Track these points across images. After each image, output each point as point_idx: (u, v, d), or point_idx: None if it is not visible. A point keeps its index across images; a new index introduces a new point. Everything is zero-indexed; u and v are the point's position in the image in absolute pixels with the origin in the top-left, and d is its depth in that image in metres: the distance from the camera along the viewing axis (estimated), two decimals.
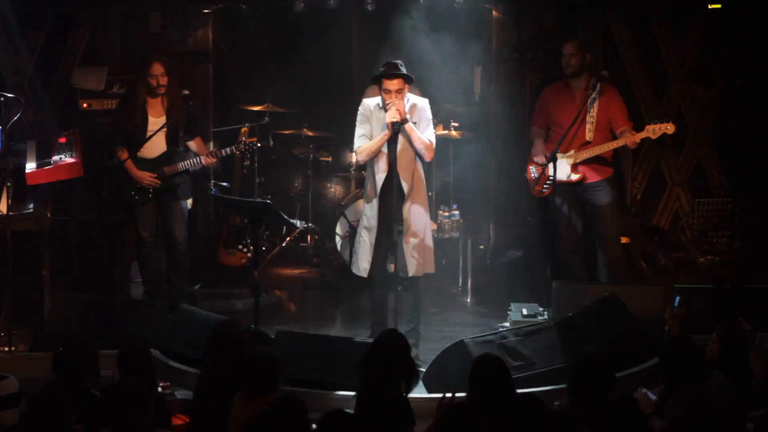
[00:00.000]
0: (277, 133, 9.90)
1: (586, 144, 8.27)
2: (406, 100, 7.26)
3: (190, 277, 8.71)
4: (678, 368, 5.42)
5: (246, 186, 9.70)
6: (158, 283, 8.40)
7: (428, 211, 7.59)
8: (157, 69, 8.12)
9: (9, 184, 7.98)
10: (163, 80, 8.14)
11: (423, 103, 7.43)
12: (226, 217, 9.48)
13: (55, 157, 8.31)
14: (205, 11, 9.53)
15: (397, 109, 7.13)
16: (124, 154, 8.22)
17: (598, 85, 8.24)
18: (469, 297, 9.34)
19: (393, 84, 7.18)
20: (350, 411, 4.88)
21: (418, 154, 7.37)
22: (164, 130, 8.22)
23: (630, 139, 8.11)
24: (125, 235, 9.00)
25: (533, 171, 8.44)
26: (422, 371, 6.70)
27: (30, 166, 8.24)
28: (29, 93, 9.02)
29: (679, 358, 5.43)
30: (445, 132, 9.32)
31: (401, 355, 5.49)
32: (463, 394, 5.08)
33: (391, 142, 7.24)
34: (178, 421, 6.00)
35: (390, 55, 7.69)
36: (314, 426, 4.73)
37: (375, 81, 7.35)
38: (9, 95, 8.12)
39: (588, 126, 8.25)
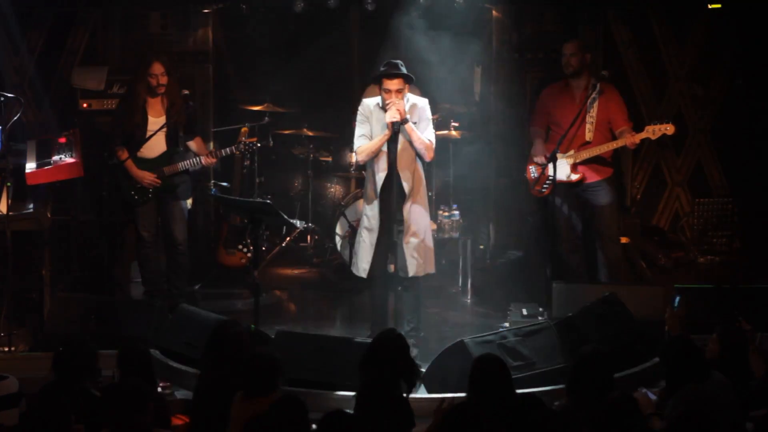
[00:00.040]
0: (277, 133, 9.89)
1: (586, 144, 8.27)
2: (405, 100, 7.26)
3: (190, 277, 8.71)
4: (678, 368, 5.42)
5: (246, 186, 9.69)
6: (158, 283, 8.39)
7: (428, 211, 7.59)
8: (157, 68, 8.12)
9: (9, 184, 7.98)
10: (163, 80, 8.14)
11: (423, 103, 7.43)
12: (226, 217, 9.48)
13: (55, 157, 8.31)
14: (205, 11, 9.53)
15: (397, 109, 7.14)
16: (124, 154, 8.22)
17: (598, 85, 8.25)
18: (469, 297, 9.34)
19: (393, 84, 7.18)
20: (350, 411, 4.88)
21: (418, 154, 7.37)
22: (164, 130, 8.22)
23: (630, 140, 8.12)
24: (125, 235, 8.99)
25: (533, 171, 8.44)
26: (422, 371, 6.69)
27: (30, 166, 8.24)
28: (29, 93, 9.02)
29: (679, 358, 5.43)
30: (445, 132, 9.32)
31: (400, 355, 5.49)
32: (462, 395, 5.08)
33: (391, 142, 7.24)
34: (178, 421, 6.00)
35: (390, 55, 7.69)
36: (314, 426, 4.73)
37: (375, 81, 7.35)
38: (9, 95, 8.12)
39: (588, 126, 8.26)
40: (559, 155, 8.03)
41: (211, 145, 9.26)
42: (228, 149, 8.40)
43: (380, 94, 7.29)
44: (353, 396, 5.29)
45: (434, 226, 8.81)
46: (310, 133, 9.96)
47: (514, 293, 8.48)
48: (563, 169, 8.18)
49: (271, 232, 9.92)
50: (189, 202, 8.58)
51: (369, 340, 6.17)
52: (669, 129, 8.06)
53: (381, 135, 7.28)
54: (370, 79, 7.58)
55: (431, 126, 7.45)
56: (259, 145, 8.68)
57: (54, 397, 4.90)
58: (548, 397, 5.59)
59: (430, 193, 8.44)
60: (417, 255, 7.35)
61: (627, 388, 5.95)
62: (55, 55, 9.27)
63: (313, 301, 9.40)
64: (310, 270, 9.96)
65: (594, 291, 7.65)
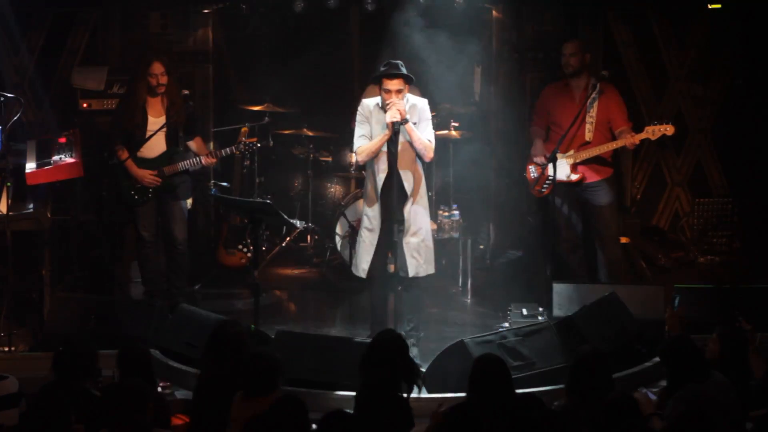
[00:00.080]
0: (277, 133, 9.89)
1: (586, 144, 8.27)
2: (405, 100, 7.26)
3: (190, 277, 8.71)
4: (678, 368, 5.42)
5: (246, 186, 9.70)
6: (158, 282, 8.39)
7: (428, 211, 7.59)
8: (157, 68, 8.12)
9: (9, 184, 7.98)
10: (163, 79, 8.13)
11: (422, 103, 7.43)
12: (226, 217, 9.48)
13: (55, 157, 8.31)
14: (205, 11, 9.53)
15: (398, 109, 7.13)
16: (124, 154, 8.22)
17: (598, 85, 8.25)
18: (469, 297, 9.34)
19: (393, 84, 7.18)
20: (350, 411, 4.88)
21: (417, 155, 7.37)
22: (164, 129, 8.21)
23: (629, 140, 8.11)
24: (125, 234, 8.99)
25: (533, 171, 8.45)
26: (422, 371, 6.69)
27: (30, 166, 8.24)
28: (29, 93, 9.02)
29: (679, 358, 5.44)
30: (445, 132, 9.32)
31: (400, 355, 5.49)
32: (462, 395, 5.08)
33: (392, 142, 7.24)
34: (178, 421, 6.00)
35: (390, 55, 7.69)
36: (314, 426, 4.73)
37: (375, 81, 7.35)
38: (9, 95, 8.13)
39: (588, 126, 8.26)
40: (558, 155, 8.03)
41: (211, 145, 9.26)
42: (228, 149, 8.40)
43: (380, 95, 7.29)
44: (353, 396, 5.31)
45: (434, 226, 8.81)
46: (310, 133, 9.95)
47: (514, 293, 8.48)
48: (563, 169, 8.18)
49: (271, 232, 9.93)
50: (189, 202, 8.58)
51: (369, 340, 6.17)
52: (669, 129, 8.06)
53: (381, 135, 7.28)
54: (370, 79, 7.57)
55: (431, 126, 7.45)
56: (259, 145, 8.68)
57: (54, 397, 4.90)
58: (548, 397, 5.59)
59: (430, 193, 8.44)
60: (417, 255, 7.35)
61: (627, 388, 5.96)
62: (55, 55, 9.27)
63: (313, 301, 9.40)
64: (310, 270, 9.97)
65: (594, 291, 7.65)
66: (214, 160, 8.36)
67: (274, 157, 10.21)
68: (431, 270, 7.50)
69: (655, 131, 8.05)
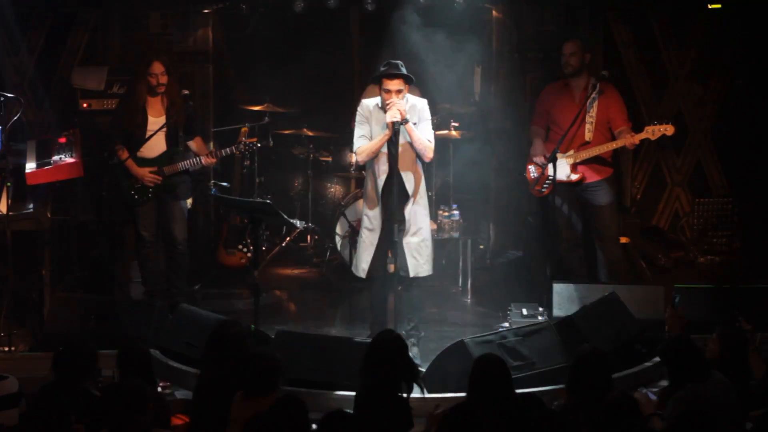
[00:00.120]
0: (277, 133, 9.90)
1: (586, 144, 8.27)
2: (405, 100, 7.26)
3: (190, 277, 8.70)
4: (678, 368, 5.42)
5: (246, 186, 9.70)
6: (158, 282, 8.39)
7: (428, 211, 7.59)
8: (157, 68, 8.12)
9: (9, 184, 7.98)
10: (163, 79, 8.13)
11: (422, 103, 7.43)
12: (226, 217, 9.48)
13: (55, 157, 8.31)
14: (205, 11, 9.54)
15: (398, 109, 7.13)
16: (124, 154, 8.21)
17: (598, 85, 8.24)
18: (469, 297, 9.33)
19: (393, 84, 7.18)
20: (350, 411, 4.88)
21: (417, 155, 7.37)
22: (164, 129, 8.21)
23: (629, 140, 8.11)
24: (125, 234, 8.99)
25: (533, 171, 8.44)
26: (422, 371, 6.69)
27: (30, 166, 8.25)
28: (29, 93, 9.02)
29: (679, 358, 5.44)
30: (445, 132, 9.32)
31: (400, 355, 5.49)
32: (462, 395, 5.08)
33: (392, 143, 7.23)
34: (178, 421, 6.00)
35: (390, 55, 7.69)
36: (314, 426, 4.73)
37: (375, 81, 7.35)
38: (9, 95, 8.13)
39: (587, 126, 8.26)
40: (558, 155, 8.03)
41: (211, 145, 9.26)
42: (228, 149, 8.40)
43: (380, 95, 7.29)
44: (353, 396, 5.31)
45: (434, 226, 8.81)
46: (310, 133, 9.96)
47: (514, 293, 8.48)
48: (563, 169, 8.18)
49: (271, 232, 9.93)
50: (189, 202, 8.58)
51: (369, 340, 6.17)
52: (668, 130, 8.05)
53: (381, 135, 7.28)
54: (370, 79, 7.57)
55: (430, 126, 7.45)
56: (259, 145, 8.68)
57: (54, 397, 4.91)
58: (548, 397, 5.60)
59: (430, 193, 8.44)
60: (417, 255, 7.35)
61: (627, 388, 5.96)
62: (55, 55, 9.27)
63: (313, 301, 9.40)
64: (310, 270, 9.97)
65: (594, 291, 7.66)
66: (214, 160, 8.36)
67: (274, 157, 10.21)
68: (431, 270, 7.50)
69: (655, 131, 8.05)
